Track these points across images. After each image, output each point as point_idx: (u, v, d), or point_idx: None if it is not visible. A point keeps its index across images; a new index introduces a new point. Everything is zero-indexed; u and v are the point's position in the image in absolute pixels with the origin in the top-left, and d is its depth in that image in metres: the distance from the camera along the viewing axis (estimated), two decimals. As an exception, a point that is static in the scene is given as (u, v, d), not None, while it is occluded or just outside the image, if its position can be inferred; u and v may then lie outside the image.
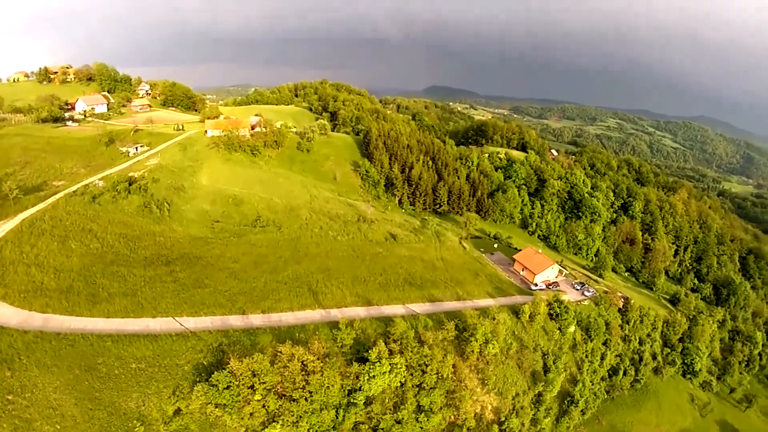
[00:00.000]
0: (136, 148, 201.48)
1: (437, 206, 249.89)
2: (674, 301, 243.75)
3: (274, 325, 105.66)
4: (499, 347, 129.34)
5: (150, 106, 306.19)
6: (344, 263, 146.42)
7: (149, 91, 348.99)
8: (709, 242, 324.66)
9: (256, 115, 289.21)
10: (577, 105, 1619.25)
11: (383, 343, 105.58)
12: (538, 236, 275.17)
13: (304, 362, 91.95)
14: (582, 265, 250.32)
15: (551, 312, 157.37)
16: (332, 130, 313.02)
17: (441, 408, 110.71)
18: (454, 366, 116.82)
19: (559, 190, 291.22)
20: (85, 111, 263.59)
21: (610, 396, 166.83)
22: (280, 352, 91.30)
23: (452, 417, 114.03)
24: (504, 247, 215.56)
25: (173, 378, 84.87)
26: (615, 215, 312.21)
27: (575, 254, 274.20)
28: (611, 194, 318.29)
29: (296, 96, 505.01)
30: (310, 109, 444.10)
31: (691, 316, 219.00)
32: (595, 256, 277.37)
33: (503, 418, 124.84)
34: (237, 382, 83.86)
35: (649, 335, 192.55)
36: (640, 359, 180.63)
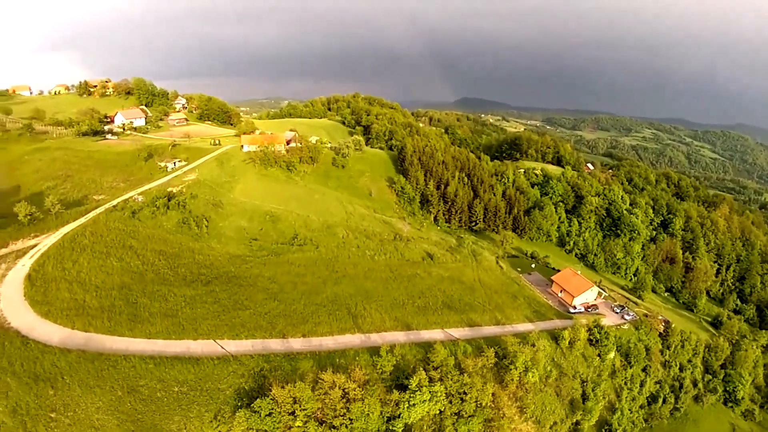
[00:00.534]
0: (174, 162, 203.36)
1: (473, 224, 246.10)
2: (716, 324, 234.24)
3: (314, 350, 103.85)
4: (539, 375, 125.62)
5: (187, 120, 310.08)
6: (382, 285, 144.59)
7: (185, 105, 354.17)
8: (752, 260, 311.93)
9: (291, 130, 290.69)
10: (611, 115, 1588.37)
11: (423, 371, 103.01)
12: (576, 255, 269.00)
13: (346, 390, 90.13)
14: (621, 285, 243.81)
15: (591, 337, 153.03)
16: (365, 144, 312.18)
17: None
18: (493, 394, 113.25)
19: (597, 207, 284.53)
20: (123, 124, 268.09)
21: (649, 425, 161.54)
22: (322, 379, 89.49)
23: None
24: (541, 267, 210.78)
25: (215, 402, 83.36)
26: (654, 233, 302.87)
27: (614, 273, 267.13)
28: (650, 211, 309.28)
29: (329, 110, 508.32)
30: (343, 123, 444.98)
31: (733, 341, 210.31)
32: (634, 275, 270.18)
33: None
34: (279, 409, 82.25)
35: (690, 361, 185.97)
36: (681, 386, 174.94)
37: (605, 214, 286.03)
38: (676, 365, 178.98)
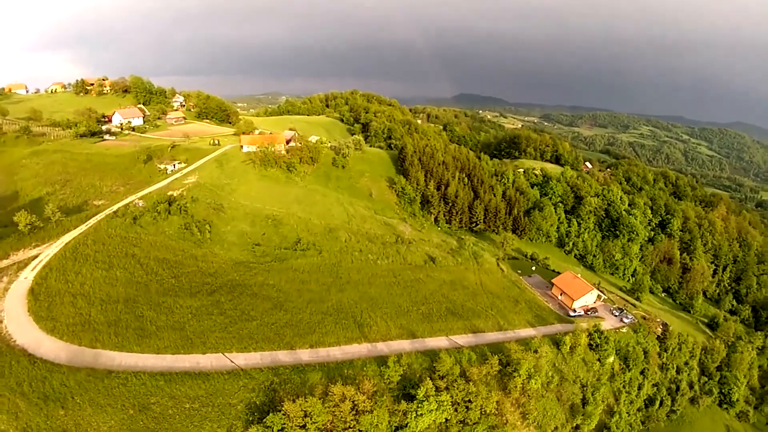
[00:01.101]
0: (174, 165, 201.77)
1: (473, 224, 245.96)
2: (713, 325, 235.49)
3: (322, 361, 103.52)
4: (541, 381, 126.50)
5: (185, 119, 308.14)
6: (386, 291, 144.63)
7: (183, 103, 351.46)
8: (749, 261, 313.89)
9: (291, 129, 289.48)
10: (608, 112, 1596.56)
11: (430, 380, 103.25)
12: (575, 256, 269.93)
13: (355, 402, 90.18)
14: (619, 286, 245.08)
15: (591, 342, 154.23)
16: (364, 141, 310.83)
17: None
18: (497, 401, 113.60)
19: (596, 208, 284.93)
20: (121, 124, 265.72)
21: (646, 427, 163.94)
22: (332, 392, 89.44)
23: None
24: (541, 269, 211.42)
25: (227, 418, 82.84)
26: (653, 233, 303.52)
27: (612, 274, 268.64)
28: (649, 211, 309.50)
29: (327, 106, 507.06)
30: (342, 120, 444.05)
31: (729, 343, 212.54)
32: (632, 276, 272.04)
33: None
34: (290, 423, 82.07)
35: (686, 363, 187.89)
36: (677, 388, 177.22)
37: (604, 215, 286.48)
38: (673, 368, 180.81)
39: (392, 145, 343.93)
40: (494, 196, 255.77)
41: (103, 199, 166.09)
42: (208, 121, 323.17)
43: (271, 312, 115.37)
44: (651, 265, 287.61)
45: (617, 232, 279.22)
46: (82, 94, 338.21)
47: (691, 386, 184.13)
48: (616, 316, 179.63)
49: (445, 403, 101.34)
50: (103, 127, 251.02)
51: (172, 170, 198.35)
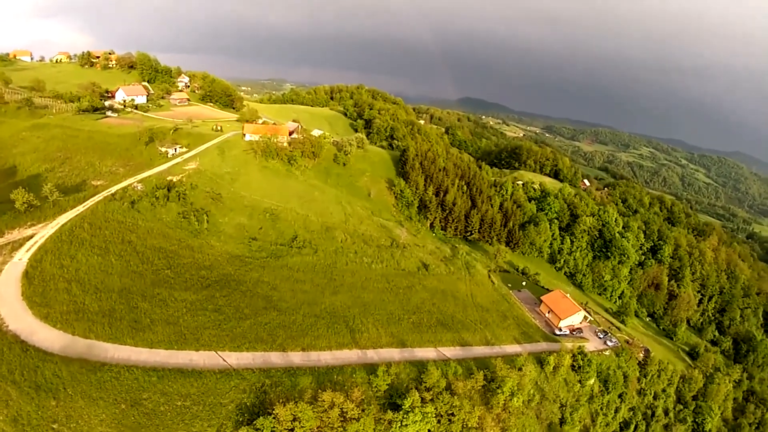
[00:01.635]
0: (175, 149, 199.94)
1: (468, 233, 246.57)
2: (693, 354, 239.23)
3: (313, 365, 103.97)
4: (522, 399, 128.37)
5: (189, 100, 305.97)
6: (378, 297, 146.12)
7: (188, 84, 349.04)
8: (734, 294, 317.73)
9: (294, 120, 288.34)
10: (611, 129, 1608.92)
11: (416, 391, 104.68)
12: (565, 273, 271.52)
13: (344, 409, 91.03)
14: (606, 307, 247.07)
15: (574, 363, 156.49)
16: (366, 138, 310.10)
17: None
18: (479, 416, 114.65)
19: (590, 228, 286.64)
20: (125, 101, 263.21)
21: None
22: (322, 398, 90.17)
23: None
24: (531, 284, 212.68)
25: (217, 417, 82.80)
26: (643, 257, 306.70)
27: (600, 294, 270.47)
28: (642, 235, 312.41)
29: (332, 99, 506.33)
30: (345, 114, 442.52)
31: (708, 373, 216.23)
32: (619, 298, 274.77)
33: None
34: (280, 427, 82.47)
35: (664, 390, 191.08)
36: (653, 414, 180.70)
37: (597, 235, 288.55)
38: (651, 393, 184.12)
39: (394, 145, 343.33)
40: (491, 206, 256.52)
41: (102, 179, 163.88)
42: (211, 104, 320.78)
43: (265, 311, 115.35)
44: (639, 288, 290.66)
45: (609, 253, 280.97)
46: (87, 66, 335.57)
47: (666, 413, 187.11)
48: (600, 338, 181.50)
49: (430, 414, 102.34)
50: (106, 103, 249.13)
51: (173, 154, 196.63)
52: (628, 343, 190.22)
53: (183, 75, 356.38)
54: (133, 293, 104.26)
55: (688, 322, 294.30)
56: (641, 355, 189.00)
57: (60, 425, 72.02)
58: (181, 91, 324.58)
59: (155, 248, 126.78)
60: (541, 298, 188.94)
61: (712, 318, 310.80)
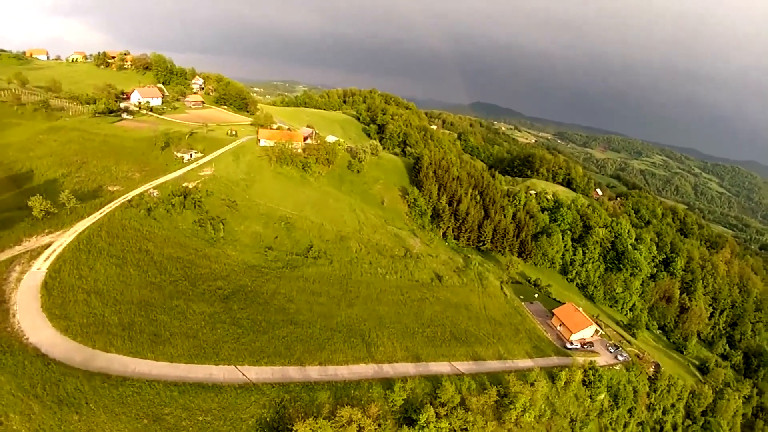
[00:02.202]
0: (191, 153, 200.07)
1: (481, 243, 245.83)
2: (703, 369, 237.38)
3: (330, 380, 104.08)
4: (534, 414, 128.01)
5: (203, 103, 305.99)
6: (393, 310, 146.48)
7: (202, 86, 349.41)
8: (746, 308, 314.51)
9: (309, 126, 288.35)
10: (623, 137, 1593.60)
11: (431, 406, 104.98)
12: (577, 284, 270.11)
13: (361, 425, 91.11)
14: (617, 319, 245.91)
15: (585, 379, 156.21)
16: (379, 143, 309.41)
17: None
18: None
19: (603, 239, 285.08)
20: (140, 103, 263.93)
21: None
22: (340, 414, 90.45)
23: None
24: (543, 296, 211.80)
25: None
26: (655, 270, 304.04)
27: (611, 307, 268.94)
28: (654, 248, 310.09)
29: (344, 102, 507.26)
30: (358, 119, 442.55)
31: (717, 389, 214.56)
32: (630, 310, 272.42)
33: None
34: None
35: (673, 405, 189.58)
36: (661, 429, 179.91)
37: (610, 247, 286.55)
38: (660, 408, 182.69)
39: (407, 152, 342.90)
40: (504, 217, 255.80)
41: (118, 185, 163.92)
42: (225, 107, 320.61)
43: (282, 324, 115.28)
44: (650, 301, 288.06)
45: (621, 265, 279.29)
46: (102, 66, 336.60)
47: (674, 428, 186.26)
48: (611, 352, 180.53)
49: (444, 430, 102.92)
50: (121, 105, 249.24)
51: (188, 159, 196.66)
52: (638, 357, 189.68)
53: (197, 77, 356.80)
54: (152, 305, 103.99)
55: (698, 335, 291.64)
56: (651, 369, 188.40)
57: (82, 440, 71.98)
58: (195, 93, 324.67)
59: (172, 258, 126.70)
60: (553, 311, 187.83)
61: (723, 332, 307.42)
